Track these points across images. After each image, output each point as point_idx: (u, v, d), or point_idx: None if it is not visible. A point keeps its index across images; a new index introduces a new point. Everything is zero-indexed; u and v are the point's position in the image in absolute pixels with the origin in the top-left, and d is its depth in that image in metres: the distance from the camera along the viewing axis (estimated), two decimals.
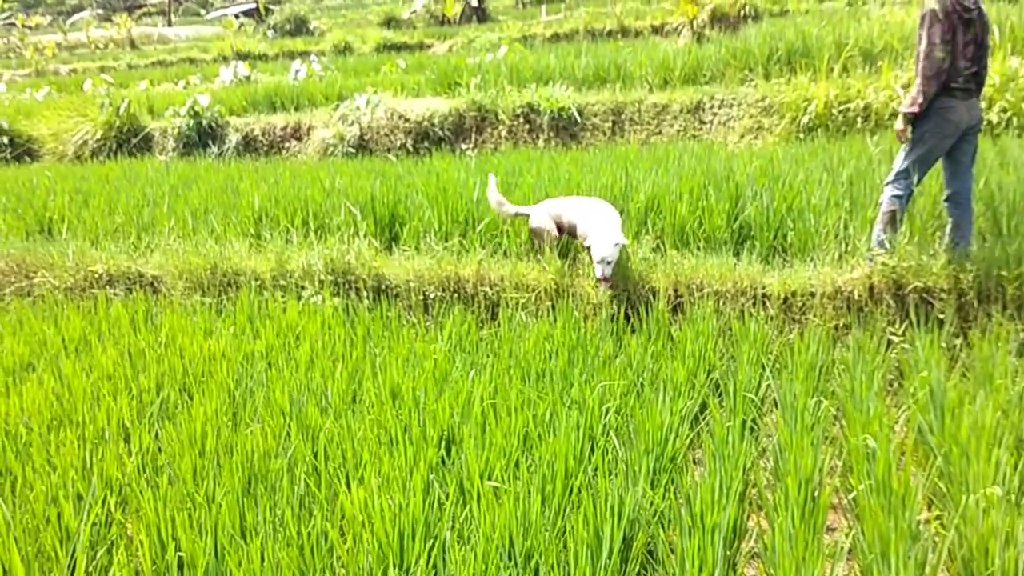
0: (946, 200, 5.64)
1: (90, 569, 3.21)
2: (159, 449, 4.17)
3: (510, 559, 3.03)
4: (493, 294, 6.24)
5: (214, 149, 12.83)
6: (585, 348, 5.06)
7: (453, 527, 3.30)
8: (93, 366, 5.29)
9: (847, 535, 3.45)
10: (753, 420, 4.35)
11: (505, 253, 6.66)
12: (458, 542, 3.20)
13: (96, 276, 7.24)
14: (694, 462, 4.25)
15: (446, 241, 6.89)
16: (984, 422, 3.79)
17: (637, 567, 3.18)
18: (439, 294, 6.35)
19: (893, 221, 5.63)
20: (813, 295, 5.71)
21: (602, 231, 5.63)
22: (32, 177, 10.76)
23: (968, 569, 3.11)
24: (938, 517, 3.58)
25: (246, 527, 3.37)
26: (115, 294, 7.05)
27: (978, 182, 6.31)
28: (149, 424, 4.38)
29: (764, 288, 5.79)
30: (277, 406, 4.50)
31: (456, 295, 6.34)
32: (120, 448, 4.10)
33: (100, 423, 4.40)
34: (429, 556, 3.03)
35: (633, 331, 5.64)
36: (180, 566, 3.19)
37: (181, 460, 3.91)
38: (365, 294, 6.46)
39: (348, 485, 3.64)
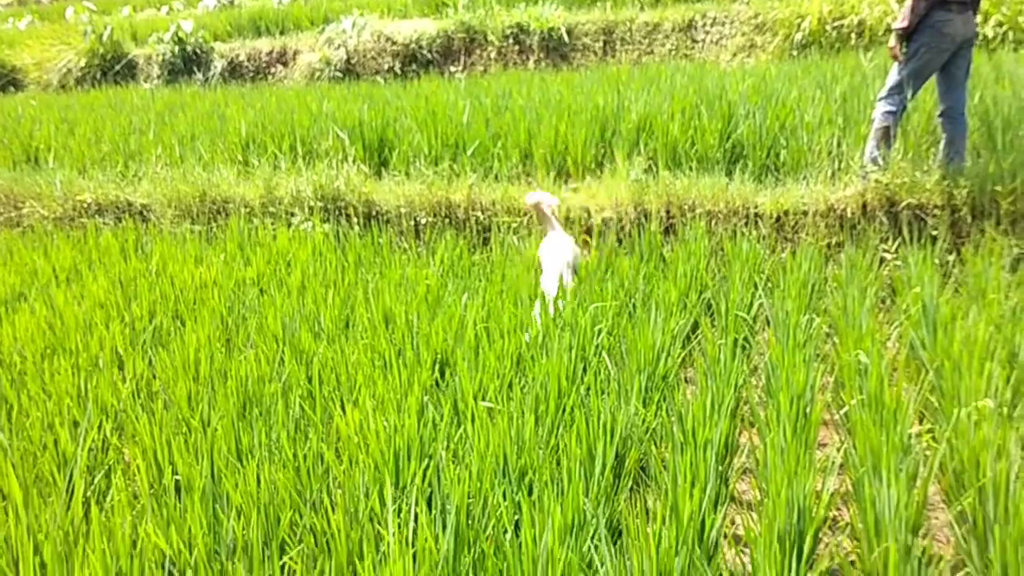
0: (940, 115, 5.58)
1: (88, 493, 3.23)
2: (153, 375, 4.17)
3: (504, 476, 3.06)
4: (485, 219, 6.20)
5: (199, 75, 12.63)
6: (576, 271, 5.04)
7: (448, 447, 3.32)
8: (85, 295, 5.27)
9: (838, 450, 3.48)
10: (745, 339, 4.36)
11: (496, 177, 6.60)
12: (453, 461, 3.23)
13: (85, 205, 7.17)
14: (686, 381, 4.28)
15: (436, 165, 6.82)
16: (976, 336, 3.81)
17: (630, 483, 3.21)
18: (430, 219, 6.30)
19: (887, 137, 5.58)
20: (806, 213, 5.69)
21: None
22: (17, 107, 10.61)
23: (959, 481, 3.14)
24: (930, 431, 3.61)
25: (242, 450, 3.39)
26: (104, 223, 7.00)
27: (973, 97, 6.24)
28: (142, 351, 4.37)
29: (756, 207, 5.76)
30: (270, 332, 4.49)
31: (447, 220, 6.29)
32: (114, 375, 4.10)
33: (93, 351, 4.40)
34: (424, 475, 3.05)
35: (625, 253, 5.62)
36: (177, 489, 3.21)
37: (175, 386, 3.91)
38: (356, 220, 6.41)
39: (343, 408, 3.65)
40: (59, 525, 2.83)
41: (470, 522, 2.81)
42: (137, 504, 3.14)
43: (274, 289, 5.19)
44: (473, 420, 3.41)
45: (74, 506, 2.98)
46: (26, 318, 4.87)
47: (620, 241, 5.78)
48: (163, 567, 2.75)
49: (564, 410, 3.49)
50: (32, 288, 5.57)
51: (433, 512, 2.87)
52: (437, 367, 4.06)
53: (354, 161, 7.02)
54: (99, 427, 3.63)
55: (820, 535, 3.03)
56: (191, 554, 2.74)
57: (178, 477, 3.25)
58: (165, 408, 3.75)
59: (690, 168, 6.26)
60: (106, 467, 3.46)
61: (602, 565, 2.61)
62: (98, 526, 2.78)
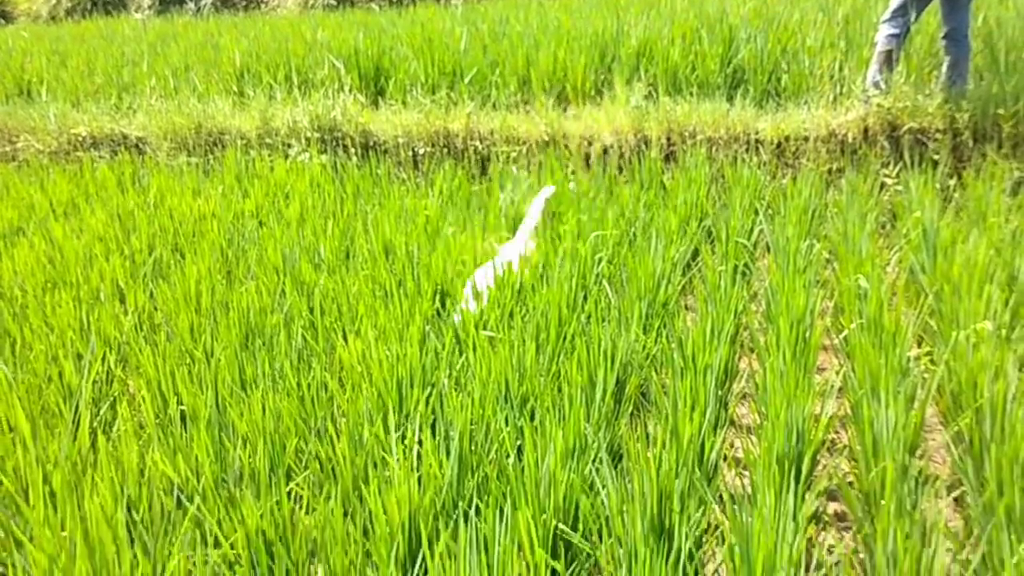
0: (943, 37, 5.49)
1: (95, 424, 3.27)
2: (155, 308, 4.18)
3: (506, 402, 3.09)
4: (483, 148, 6.15)
5: (191, 5, 12.44)
6: (578, 199, 5.02)
7: (450, 375, 3.34)
8: (83, 228, 5.26)
9: (837, 373, 3.51)
10: (745, 265, 4.36)
11: (495, 105, 6.54)
12: (455, 388, 3.25)
13: (80, 139, 7.11)
14: (686, 308, 4.29)
15: (433, 94, 6.75)
16: (976, 260, 3.81)
17: (631, 408, 3.25)
18: (428, 149, 6.26)
19: (889, 60, 5.50)
20: (807, 139, 5.65)
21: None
22: (7, 39, 10.45)
23: (956, 403, 3.17)
24: (928, 353, 3.63)
25: (245, 380, 3.41)
26: (100, 156, 6.95)
27: (976, 18, 6.15)
28: (143, 284, 4.38)
29: (757, 133, 5.72)
30: (270, 263, 4.50)
31: (446, 150, 6.25)
32: (116, 308, 4.11)
33: (94, 284, 4.40)
34: (427, 402, 3.08)
35: (626, 181, 5.60)
36: (183, 419, 3.25)
37: (177, 318, 3.92)
38: (353, 151, 6.37)
39: (345, 338, 3.67)
40: (67, 455, 2.86)
41: (473, 447, 2.84)
42: (143, 434, 3.18)
43: (273, 221, 5.17)
44: (474, 349, 3.43)
45: (81, 436, 3.01)
46: (25, 252, 4.87)
47: (620, 169, 5.75)
48: (171, 494, 2.78)
49: (565, 338, 3.51)
50: (30, 222, 5.55)
51: (437, 438, 2.90)
52: (438, 297, 4.07)
53: (350, 91, 6.94)
54: (103, 359, 3.65)
55: (818, 457, 3.07)
56: (199, 481, 2.78)
57: (183, 407, 3.28)
58: (168, 339, 3.77)
59: (691, 94, 6.19)
60: (111, 398, 3.49)
61: (603, 487, 2.65)
62: (105, 455, 2.82)
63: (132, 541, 2.53)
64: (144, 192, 5.94)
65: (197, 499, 2.68)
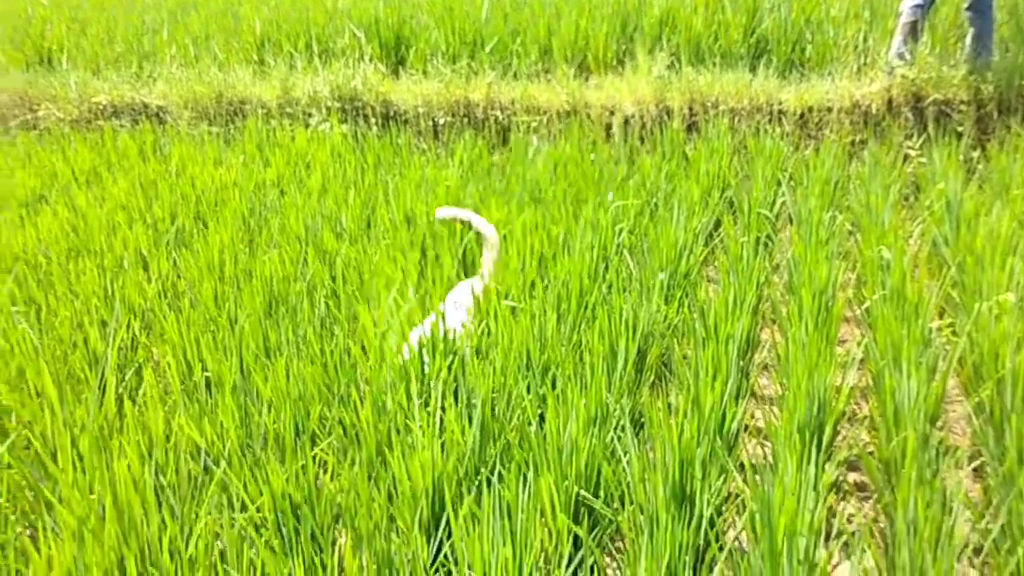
0: (967, 8, 5.42)
1: (120, 389, 3.31)
2: (178, 276, 4.21)
3: (528, 370, 3.11)
4: (504, 118, 6.14)
5: None
6: (599, 170, 5.01)
7: (471, 343, 3.36)
8: (106, 197, 5.29)
9: (859, 344, 3.51)
10: (767, 236, 4.35)
11: (515, 75, 6.51)
12: (476, 356, 3.27)
13: (100, 107, 7.13)
14: (707, 279, 4.29)
15: (454, 63, 6.72)
16: (999, 231, 3.79)
17: (652, 377, 3.26)
18: (449, 119, 6.25)
19: (914, 31, 5.45)
20: (830, 110, 5.61)
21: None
22: (27, 7, 10.44)
23: (978, 373, 3.17)
24: (950, 325, 3.63)
25: (269, 347, 3.45)
26: (121, 125, 6.96)
27: None
28: (166, 252, 4.41)
29: (780, 104, 5.68)
30: (292, 232, 4.52)
31: (466, 120, 6.24)
32: (139, 276, 4.14)
33: (118, 252, 4.44)
34: (449, 370, 3.10)
35: (647, 152, 5.58)
36: (207, 385, 3.28)
37: (201, 286, 3.95)
38: (373, 120, 6.36)
39: (368, 306, 3.69)
40: (94, 419, 2.90)
41: (495, 415, 2.87)
42: (168, 399, 3.21)
43: (294, 190, 5.19)
44: (496, 317, 3.45)
45: (107, 401, 3.05)
46: (49, 220, 4.90)
47: (642, 139, 5.73)
48: (197, 458, 2.82)
49: (586, 307, 3.52)
50: (53, 190, 5.59)
51: (459, 406, 2.92)
52: (459, 266, 4.08)
53: (371, 60, 6.92)
54: (127, 326, 3.68)
55: (839, 428, 3.08)
56: (224, 446, 2.82)
57: (208, 373, 3.31)
58: (192, 306, 3.80)
59: (713, 64, 6.15)
60: (136, 365, 3.53)
61: (625, 454, 2.67)
62: (132, 419, 2.86)
63: (160, 504, 2.57)
64: (165, 161, 5.97)
65: (223, 463, 2.72)
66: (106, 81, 7.49)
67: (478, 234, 4.07)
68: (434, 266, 3.94)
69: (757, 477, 2.56)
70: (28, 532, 2.66)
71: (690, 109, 5.78)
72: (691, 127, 5.77)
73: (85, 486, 2.56)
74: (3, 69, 8.32)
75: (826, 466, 2.69)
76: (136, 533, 2.39)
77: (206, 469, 2.79)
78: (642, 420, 3.03)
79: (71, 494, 2.47)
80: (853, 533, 2.67)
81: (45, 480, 2.75)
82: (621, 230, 4.22)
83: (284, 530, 2.49)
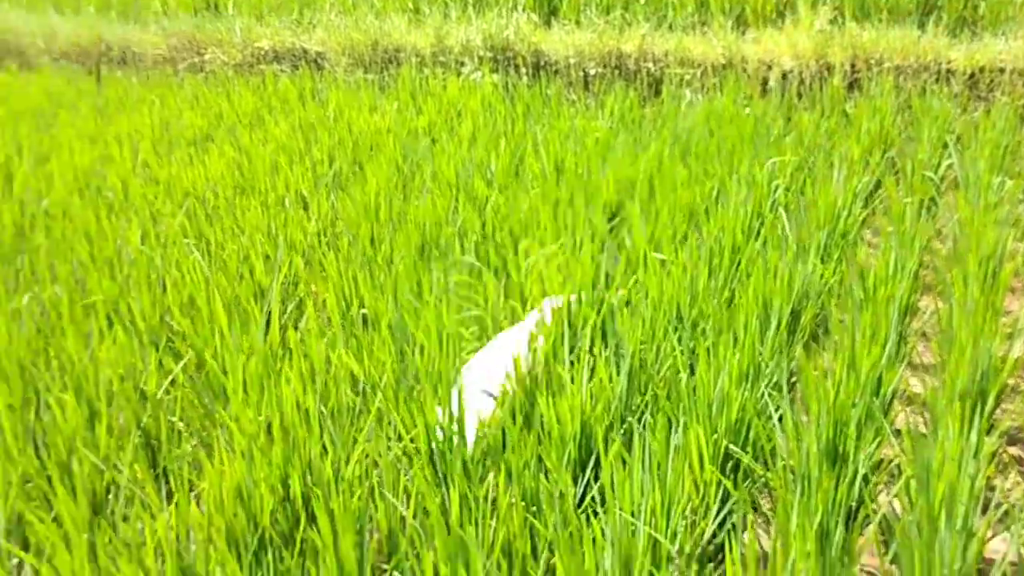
0: None
1: (283, 321, 3.47)
2: (336, 217, 4.35)
3: (679, 322, 3.09)
4: (656, 70, 6.05)
5: None
6: (754, 125, 4.89)
7: (621, 295, 3.36)
8: (268, 138, 5.50)
9: None
10: (931, 199, 4.18)
11: (670, 27, 6.40)
12: (626, 307, 3.27)
13: (262, 52, 7.40)
14: (866, 242, 4.15)
15: (607, 14, 6.65)
16: None
17: (805, 337, 3.20)
18: (599, 70, 6.21)
19: None
20: (1002, 71, 5.31)
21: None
22: None
23: None
24: None
25: (422, 288, 3.54)
26: (281, 70, 7.21)
27: None
28: (325, 192, 4.56)
29: (949, 63, 5.41)
30: (444, 179, 4.60)
31: (617, 71, 6.18)
32: (300, 215, 4.31)
33: (280, 191, 4.62)
34: (598, 314, 3.11)
35: (805, 108, 5.41)
36: (364, 321, 3.40)
37: (358, 227, 4.08)
38: (524, 71, 6.38)
39: (516, 253, 3.74)
40: (261, 346, 3.05)
41: (643, 366, 2.87)
42: (328, 332, 3.34)
43: (446, 138, 5.27)
44: (645, 269, 3.43)
45: (272, 331, 3.20)
46: (216, 159, 5.14)
47: (800, 95, 5.56)
48: (355, 390, 2.94)
49: (739, 264, 3.47)
50: (219, 130, 5.85)
51: (607, 353, 2.94)
52: (608, 218, 4.07)
53: (523, 10, 6.92)
54: (289, 263, 3.84)
55: (1000, 399, 2.96)
56: (380, 379, 2.92)
57: (364, 310, 3.43)
58: (350, 246, 3.93)
59: (879, 19, 5.88)
60: (297, 299, 3.69)
61: (776, 410, 2.64)
62: (296, 348, 2.99)
63: (321, 430, 2.69)
64: (323, 106, 6.15)
65: (379, 392, 2.82)
66: (268, 27, 7.76)
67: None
68: (581, 216, 3.94)
69: (913, 443, 2.49)
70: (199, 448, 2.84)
71: (852, 65, 5.56)
72: (852, 84, 5.56)
73: (253, 409, 2.70)
74: (172, 13, 8.71)
75: (987, 436, 2.59)
76: (299, 454, 2.51)
77: (363, 399, 2.90)
78: (794, 379, 2.98)
79: (242, 413, 2.61)
80: (1013, 505, 2.58)
81: (216, 401, 2.92)
82: (777, 187, 4.13)
83: (437, 462, 2.57)
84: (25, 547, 2.44)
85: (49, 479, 2.58)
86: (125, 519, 2.44)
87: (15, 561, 2.37)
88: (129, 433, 2.73)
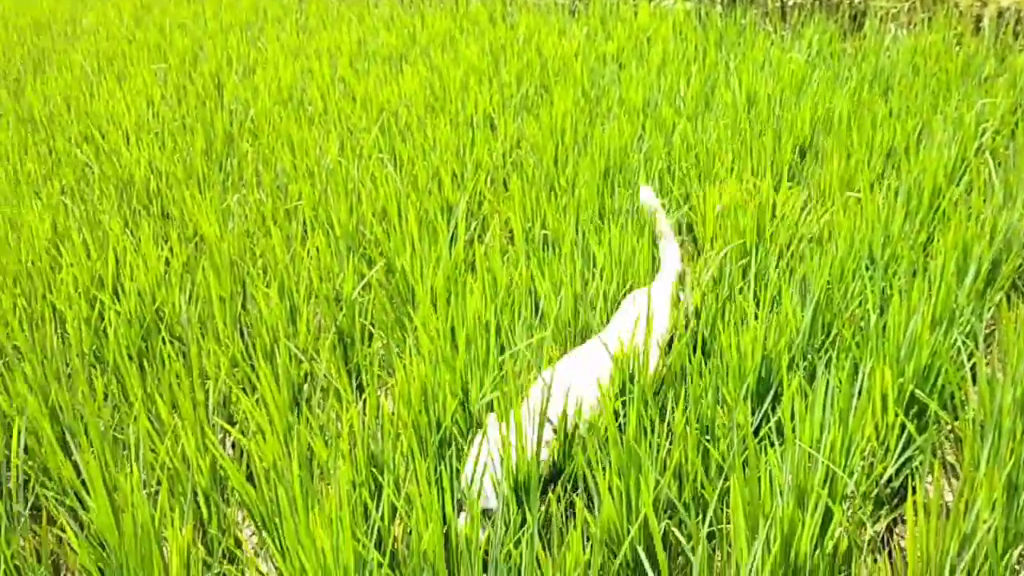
0: None
1: (468, 235, 3.57)
2: (521, 138, 4.40)
3: (871, 261, 3.00)
4: (860, 2, 5.76)
5: None
6: (964, 64, 4.60)
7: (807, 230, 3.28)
8: (459, 59, 5.59)
9: None
10: None
11: None
12: (814, 243, 3.19)
13: None
14: None
15: None
16: None
17: (1006, 289, 3.03)
18: (798, 0, 5.95)
19: None
20: None
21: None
22: None
23: None
24: None
25: (604, 213, 3.56)
26: None
27: None
28: (512, 114, 4.61)
29: None
30: (631, 105, 4.56)
31: (817, 2, 5.91)
32: (487, 135, 4.38)
33: (468, 111, 4.71)
34: (789, 254, 3.06)
35: (1020, 50, 5.04)
36: (545, 241, 3.46)
37: (544, 151, 4.12)
38: None
39: (700, 183, 3.69)
40: (449, 258, 3.16)
41: (829, 303, 2.81)
42: (511, 250, 3.42)
43: (634, 65, 5.21)
44: (834, 207, 3.33)
45: (457, 246, 3.31)
46: (409, 78, 5.28)
47: (1016, 35, 5.17)
48: (531, 307, 3.01)
49: (938, 209, 3.31)
50: (412, 51, 5.99)
51: (791, 288, 2.89)
52: (798, 153, 3.96)
53: None
54: (474, 184, 3.93)
55: None
56: (557, 296, 2.97)
57: (546, 231, 3.49)
58: (535, 168, 3.98)
59: None
60: (482, 216, 3.78)
61: (970, 358, 2.53)
62: (480, 260, 3.08)
63: (501, 347, 2.78)
64: (513, 29, 6.19)
65: (557, 306, 2.87)
66: None
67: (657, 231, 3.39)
68: (772, 149, 3.84)
69: None
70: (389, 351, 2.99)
71: None
72: None
73: (441, 316, 2.82)
74: None
75: None
76: (478, 363, 2.61)
77: (540, 318, 2.96)
78: (989, 330, 2.84)
79: (430, 319, 2.73)
80: None
81: (404, 305, 3.06)
82: (985, 130, 3.89)
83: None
84: (231, 423, 2.66)
85: (253, 366, 2.79)
86: (320, 407, 2.62)
87: (221, 435, 2.59)
88: (326, 330, 2.91)
